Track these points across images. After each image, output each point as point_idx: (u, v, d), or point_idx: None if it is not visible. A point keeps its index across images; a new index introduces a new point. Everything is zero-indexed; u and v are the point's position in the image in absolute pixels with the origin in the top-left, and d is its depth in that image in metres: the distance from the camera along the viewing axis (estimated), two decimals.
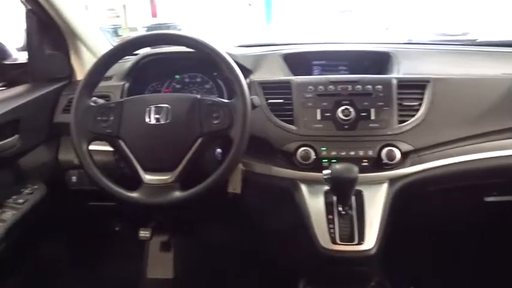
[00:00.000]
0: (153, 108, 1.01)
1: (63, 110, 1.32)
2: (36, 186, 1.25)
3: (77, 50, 1.42)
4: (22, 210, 1.17)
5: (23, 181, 1.26)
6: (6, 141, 1.15)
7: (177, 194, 0.97)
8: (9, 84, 1.35)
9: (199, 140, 0.98)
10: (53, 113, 1.32)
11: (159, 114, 1.00)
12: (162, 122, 1.00)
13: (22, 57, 1.39)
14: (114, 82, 1.32)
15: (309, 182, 1.13)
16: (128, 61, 1.36)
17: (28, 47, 1.34)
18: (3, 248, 1.11)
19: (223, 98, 1.05)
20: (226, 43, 1.52)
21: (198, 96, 1.03)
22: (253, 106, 1.00)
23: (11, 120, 1.16)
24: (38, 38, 1.32)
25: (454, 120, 1.16)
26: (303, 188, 1.14)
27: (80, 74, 1.44)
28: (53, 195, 1.29)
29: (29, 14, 1.29)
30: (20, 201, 1.19)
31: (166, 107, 1.01)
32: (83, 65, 1.43)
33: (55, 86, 1.36)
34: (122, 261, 1.59)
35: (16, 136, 1.19)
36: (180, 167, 0.97)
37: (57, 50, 1.40)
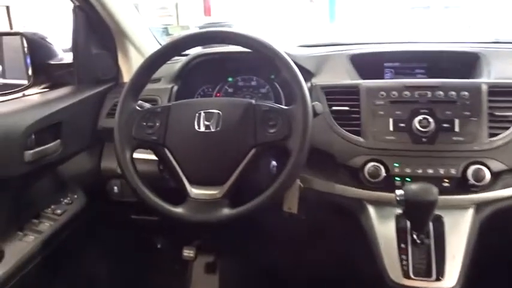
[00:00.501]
0: (202, 114, 1.01)
1: (107, 114, 1.35)
2: (76, 196, 1.29)
3: (124, 50, 1.46)
4: (60, 222, 1.21)
5: (63, 190, 1.30)
6: (47, 146, 1.19)
7: (226, 211, 0.95)
8: (54, 86, 1.39)
9: (253, 151, 0.97)
10: (97, 117, 1.36)
11: (209, 121, 1.00)
12: (212, 129, 0.99)
13: (69, 58, 1.44)
14: (162, 85, 1.35)
15: (378, 204, 1.11)
16: (178, 62, 1.38)
17: (74, 46, 1.39)
18: (38, 262, 1.14)
19: (280, 104, 1.04)
20: (286, 43, 1.51)
21: (253, 101, 1.02)
22: (315, 114, 0.98)
23: (53, 123, 1.21)
24: (84, 37, 1.37)
25: None
26: (371, 210, 1.11)
27: (127, 76, 1.48)
28: (93, 206, 1.33)
29: (76, 11, 1.34)
30: (59, 211, 1.23)
31: (217, 113, 1.01)
32: (130, 66, 1.47)
33: (100, 88, 1.40)
34: (163, 280, 1.60)
35: (58, 141, 1.23)
36: (230, 181, 0.96)
37: (104, 49, 1.44)
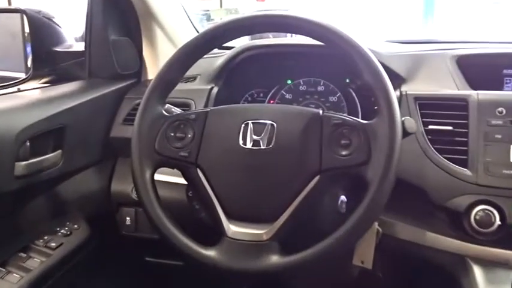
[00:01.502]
0: (250, 124, 1.01)
1: (124, 120, 1.38)
2: (76, 226, 1.30)
3: (151, 38, 1.50)
4: (54, 258, 1.21)
5: (61, 216, 1.31)
6: (45, 157, 1.21)
7: (275, 258, 0.93)
8: (58, 80, 1.43)
9: (316, 179, 0.95)
10: (111, 123, 1.39)
11: (258, 135, 0.99)
12: (263, 146, 0.98)
13: (80, 47, 1.48)
14: (199, 85, 1.37)
15: (488, 264, 1.07)
16: (220, 56, 1.40)
17: (87, 30, 1.44)
18: None
19: (357, 118, 1.02)
20: (368, 37, 1.49)
21: (320, 111, 1.01)
22: (405, 133, 0.96)
23: (54, 128, 1.23)
24: (101, 19, 1.42)
25: None
26: (477, 272, 1.08)
27: (153, 71, 1.52)
28: (98, 241, 1.33)
29: None
30: (53, 244, 1.23)
31: (271, 124, 1.00)
32: (157, 59, 1.51)
33: (118, 86, 1.43)
34: None
35: (59, 152, 1.25)
36: (283, 219, 0.94)
37: (126, 35, 1.48)
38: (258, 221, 0.96)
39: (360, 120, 0.98)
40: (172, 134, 1.03)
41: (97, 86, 1.38)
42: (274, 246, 0.94)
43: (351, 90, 1.38)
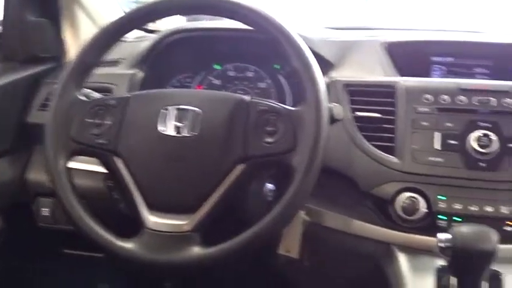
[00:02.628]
0: (173, 111, 0.98)
1: (41, 106, 1.34)
2: None
3: (73, 18, 1.46)
4: None
5: None
6: None
7: (196, 250, 0.92)
8: None
9: (241, 168, 0.94)
10: (27, 109, 1.35)
11: (181, 122, 0.97)
12: (186, 134, 0.96)
13: None
14: (122, 69, 1.34)
15: (413, 251, 1.09)
16: (145, 40, 1.38)
17: (5, 11, 1.39)
18: None
19: (285, 104, 1.01)
20: (301, 22, 1.52)
21: (247, 97, 0.99)
22: (332, 119, 0.96)
23: None
24: None
25: None
26: (402, 259, 1.09)
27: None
28: (13, 233, 1.30)
29: None
30: None
31: (195, 111, 0.98)
32: (79, 41, 1.46)
33: (35, 70, 1.39)
34: None
35: None
36: (206, 208, 0.93)
37: (45, 16, 1.43)
38: (180, 211, 0.94)
39: (286, 106, 0.97)
40: (90, 121, 1.00)
41: (12, 69, 1.34)
42: (195, 238, 0.93)
43: (281, 77, 1.39)
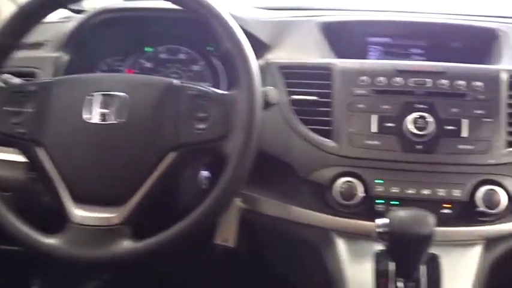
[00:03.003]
0: (98, 97, 0.95)
1: None
2: None
3: None
4: None
5: None
6: None
7: (126, 244, 0.90)
8: None
9: (172, 156, 0.92)
10: None
11: (107, 108, 0.94)
12: (112, 121, 0.94)
13: None
14: (46, 52, 1.29)
15: (351, 236, 1.10)
16: (71, 21, 1.33)
17: None
18: None
19: (218, 88, 1.00)
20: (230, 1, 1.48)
21: (176, 81, 0.98)
22: (267, 104, 0.96)
23: None
24: None
25: None
26: (340, 244, 1.10)
27: None
28: None
29: None
30: None
31: (121, 96, 0.95)
32: None
33: None
34: None
35: None
36: (135, 200, 0.91)
37: None
38: (108, 203, 0.92)
39: (218, 90, 0.96)
40: (9, 109, 0.96)
41: None
42: (125, 231, 0.91)
43: (215, 59, 1.37)
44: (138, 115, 0.94)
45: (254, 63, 0.94)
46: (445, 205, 1.06)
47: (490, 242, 1.08)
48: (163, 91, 0.96)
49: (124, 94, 0.95)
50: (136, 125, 0.94)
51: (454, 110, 1.08)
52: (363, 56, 1.35)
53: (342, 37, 1.28)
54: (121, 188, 0.92)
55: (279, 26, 1.30)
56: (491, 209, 1.03)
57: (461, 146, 1.06)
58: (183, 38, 1.36)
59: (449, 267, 1.04)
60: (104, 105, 0.94)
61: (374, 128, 1.09)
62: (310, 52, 1.23)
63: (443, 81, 1.10)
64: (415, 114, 1.07)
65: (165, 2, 0.99)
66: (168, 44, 1.39)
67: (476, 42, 1.29)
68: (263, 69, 1.12)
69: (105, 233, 0.91)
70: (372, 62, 1.24)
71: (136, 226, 0.92)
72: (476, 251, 1.07)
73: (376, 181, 1.07)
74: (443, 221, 1.02)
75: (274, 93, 0.97)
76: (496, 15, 1.44)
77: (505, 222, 1.07)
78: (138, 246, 0.90)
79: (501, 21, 1.33)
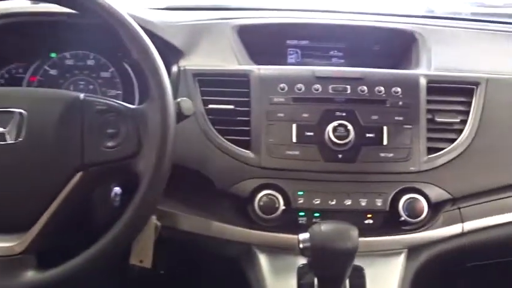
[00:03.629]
0: None
1: None
2: None
3: None
4: None
5: None
6: None
7: (31, 275, 0.88)
8: None
9: (78, 177, 0.91)
10: None
11: (4, 127, 0.92)
12: (10, 140, 0.91)
13: None
14: None
15: (273, 251, 1.11)
16: None
17: None
18: None
19: (132, 97, 1.01)
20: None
21: (81, 95, 0.95)
22: (181, 116, 0.96)
23: None
24: None
25: None
26: (262, 259, 1.11)
27: None
28: None
29: None
30: None
31: (20, 113, 0.92)
32: None
33: None
34: None
35: None
36: (39, 226, 0.89)
37: None
38: (9, 231, 0.90)
39: (127, 105, 0.95)
40: None
41: None
42: (29, 260, 0.89)
43: (126, 65, 1.34)
44: (39, 133, 0.92)
45: (164, 76, 0.92)
46: (367, 216, 1.09)
47: (412, 250, 1.11)
48: (67, 106, 0.93)
49: (22, 111, 0.92)
50: (36, 144, 0.91)
51: (375, 117, 1.10)
52: (282, 59, 1.36)
53: (260, 41, 1.28)
54: (23, 213, 0.89)
55: (193, 29, 1.28)
56: (413, 218, 1.06)
57: (382, 154, 1.09)
58: (91, 42, 1.33)
59: (373, 278, 1.07)
60: (1, 123, 0.91)
61: (294, 137, 1.10)
62: (227, 58, 1.22)
63: (363, 88, 1.12)
64: (335, 123, 1.08)
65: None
66: (74, 49, 1.35)
67: (395, 45, 1.31)
68: (177, 78, 1.14)
69: (6, 264, 0.88)
70: (290, 69, 1.24)
71: (43, 254, 0.90)
72: (400, 260, 1.10)
73: (298, 193, 1.08)
74: (366, 231, 1.05)
75: (188, 104, 0.97)
76: (409, 15, 1.47)
77: (427, 230, 1.11)
78: (44, 277, 0.88)
79: (416, 21, 1.36)
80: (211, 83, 1.15)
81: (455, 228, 1.12)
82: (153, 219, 1.07)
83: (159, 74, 0.92)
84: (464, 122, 1.13)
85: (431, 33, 1.30)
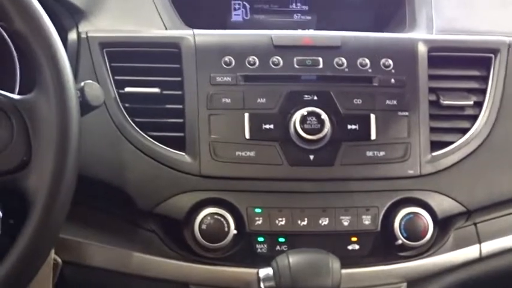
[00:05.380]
0: None
1: None
2: None
3: None
4: None
5: None
6: None
7: None
8: None
9: None
10: None
11: None
12: None
13: None
14: None
15: None
16: None
17: None
18: None
19: (13, 82, 1.03)
20: None
21: None
22: (88, 107, 0.94)
23: None
24: None
25: None
26: None
27: None
28: None
29: None
30: None
31: None
32: None
33: None
34: None
35: None
36: None
37: None
38: None
39: (8, 94, 0.90)
40: None
41: None
42: None
43: (4, 35, 1.27)
44: None
45: (61, 52, 0.88)
46: (352, 239, 1.07)
47: (413, 283, 1.11)
48: None
49: None
50: None
51: (358, 101, 1.09)
52: (224, 22, 1.35)
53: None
54: None
55: None
56: (413, 240, 1.06)
57: (369, 153, 1.08)
58: None
59: None
60: None
61: (247, 133, 1.08)
62: (148, 20, 1.20)
63: (340, 60, 1.11)
64: (303, 110, 1.07)
65: None
66: None
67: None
68: (77, 50, 1.10)
69: None
70: (237, 34, 1.22)
71: None
72: None
73: (253, 210, 1.06)
74: (351, 260, 1.05)
75: (96, 90, 0.94)
76: None
77: (432, 256, 1.11)
78: None
79: None
80: (126, 56, 1.13)
81: (471, 252, 1.13)
82: (52, 253, 1.04)
83: (54, 49, 0.88)
84: (479, 105, 1.13)
85: None
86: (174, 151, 1.08)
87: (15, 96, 0.89)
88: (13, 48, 1.25)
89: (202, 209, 1.05)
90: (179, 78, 1.10)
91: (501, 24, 1.22)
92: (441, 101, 1.12)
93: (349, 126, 1.08)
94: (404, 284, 1.11)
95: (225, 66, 1.10)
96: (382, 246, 1.08)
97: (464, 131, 1.12)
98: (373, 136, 1.08)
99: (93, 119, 1.02)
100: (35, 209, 0.84)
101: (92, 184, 1.04)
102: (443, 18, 1.22)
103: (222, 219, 1.05)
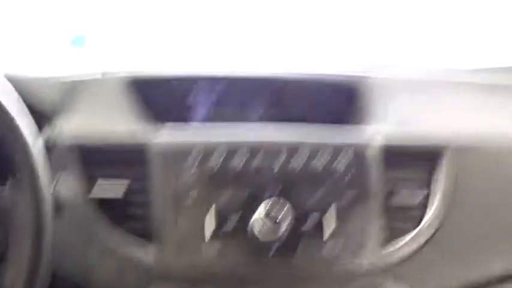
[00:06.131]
0: None
1: None
2: None
3: None
4: None
5: None
6: None
7: None
8: None
9: None
10: None
11: None
12: None
13: None
14: None
15: None
16: None
17: None
18: None
19: None
20: None
21: None
22: (60, 207, 0.97)
23: None
24: None
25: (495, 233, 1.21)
26: None
27: None
28: None
29: None
30: None
31: None
32: None
33: None
34: None
35: None
36: None
37: None
38: None
39: None
40: None
41: None
42: None
43: None
44: None
45: (36, 152, 0.90)
46: None
47: None
48: None
49: None
50: None
51: (310, 201, 1.11)
52: (187, 114, 1.33)
53: (158, 97, 1.29)
54: None
55: (67, 86, 1.25)
56: None
57: (323, 251, 1.10)
58: None
59: None
60: None
61: (210, 228, 1.10)
62: (116, 120, 1.21)
63: (296, 160, 1.13)
64: (262, 208, 1.09)
65: None
66: None
67: (334, 100, 1.32)
68: (49, 148, 1.10)
69: None
70: (201, 133, 1.22)
71: None
72: None
73: None
74: None
75: (69, 188, 0.99)
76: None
77: None
78: None
79: (364, 72, 1.36)
80: (96, 153, 1.14)
81: None
82: None
83: (29, 151, 0.89)
84: (427, 200, 1.17)
85: (380, 84, 1.31)
86: (139, 248, 1.10)
87: None
88: None
89: None
90: (145, 176, 1.12)
91: (445, 124, 1.24)
92: (393, 198, 1.15)
93: (305, 223, 1.09)
94: None
95: (187, 166, 1.12)
96: None
97: (413, 227, 1.14)
98: (326, 234, 1.09)
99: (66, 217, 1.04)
100: None
101: (60, 282, 1.05)
102: (393, 121, 1.23)
103: None
